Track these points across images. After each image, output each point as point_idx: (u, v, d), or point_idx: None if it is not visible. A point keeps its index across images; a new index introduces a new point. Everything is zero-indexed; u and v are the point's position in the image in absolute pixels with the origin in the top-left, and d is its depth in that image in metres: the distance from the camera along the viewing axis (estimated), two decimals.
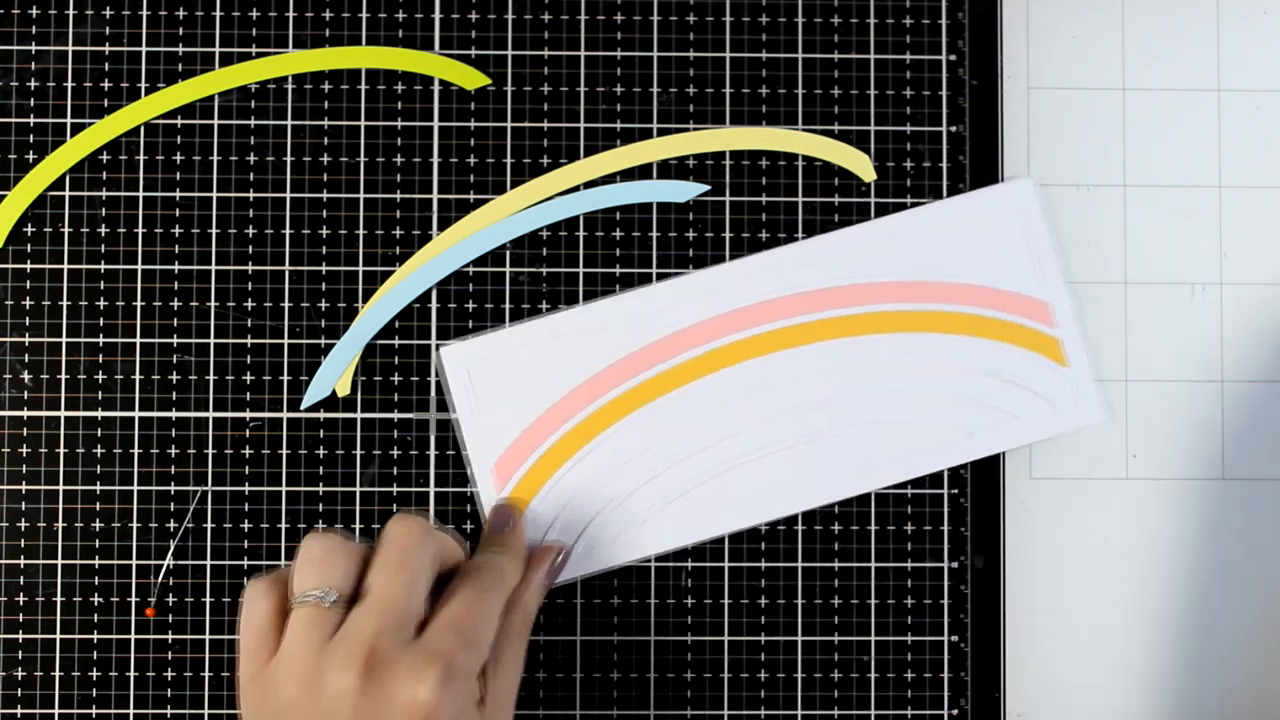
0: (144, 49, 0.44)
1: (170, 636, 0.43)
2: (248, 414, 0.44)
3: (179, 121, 0.44)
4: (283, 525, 0.43)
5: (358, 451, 0.44)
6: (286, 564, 0.41)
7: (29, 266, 0.44)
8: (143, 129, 0.44)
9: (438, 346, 0.43)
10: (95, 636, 0.43)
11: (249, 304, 0.44)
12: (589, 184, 0.44)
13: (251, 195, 0.44)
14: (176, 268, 0.44)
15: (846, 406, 0.43)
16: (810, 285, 0.43)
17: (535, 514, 0.43)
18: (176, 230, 0.44)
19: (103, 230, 0.44)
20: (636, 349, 0.43)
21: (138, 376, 0.43)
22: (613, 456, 0.43)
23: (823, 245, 0.44)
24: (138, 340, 0.44)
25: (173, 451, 0.43)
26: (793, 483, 0.43)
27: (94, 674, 0.43)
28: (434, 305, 0.44)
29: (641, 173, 0.44)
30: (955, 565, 0.44)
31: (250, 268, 0.44)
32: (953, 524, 0.44)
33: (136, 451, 0.43)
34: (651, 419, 0.43)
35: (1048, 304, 0.43)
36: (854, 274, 0.43)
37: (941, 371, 0.43)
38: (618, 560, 0.43)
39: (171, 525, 0.43)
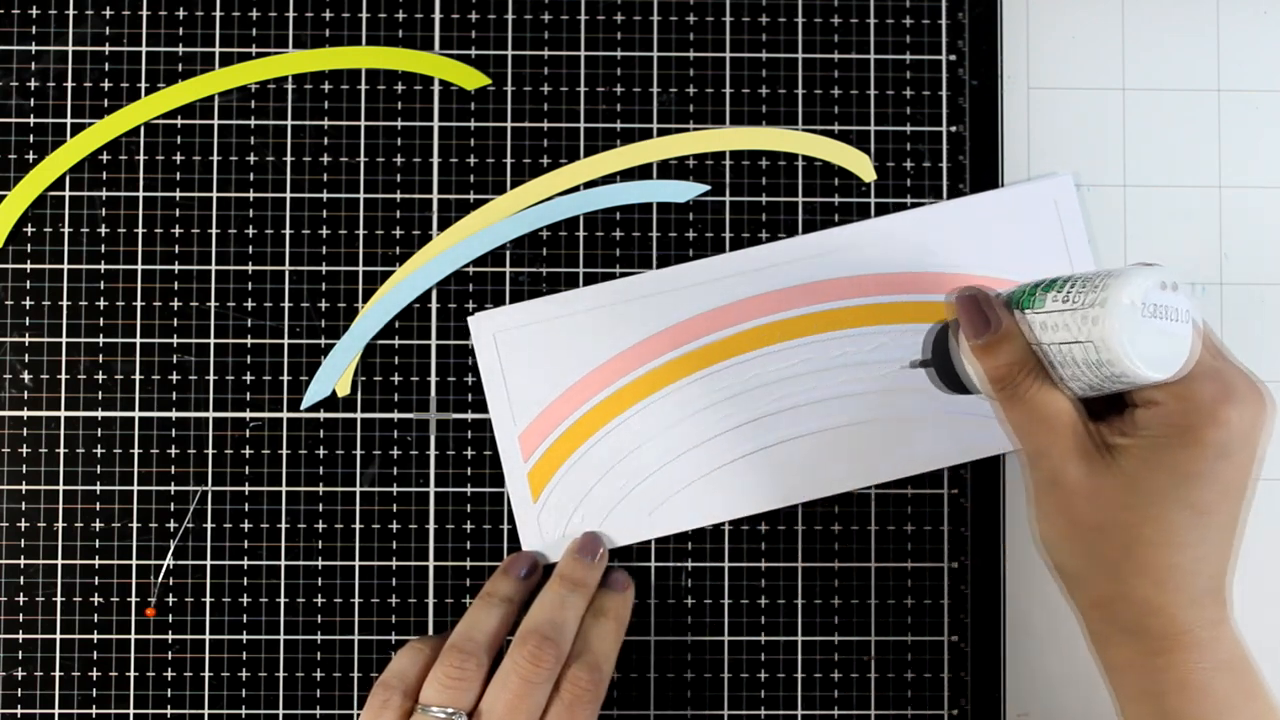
0: (144, 49, 0.44)
1: (170, 636, 0.43)
2: (248, 414, 0.44)
3: (179, 121, 0.44)
4: (283, 525, 0.43)
5: (358, 451, 0.44)
6: (393, 654, 0.42)
7: (29, 266, 0.44)
8: (143, 129, 0.44)
9: (472, 311, 0.44)
10: (95, 636, 0.43)
11: (249, 304, 0.44)
12: (589, 184, 0.44)
13: (251, 195, 0.44)
14: (176, 268, 0.44)
15: (874, 396, 0.43)
16: (843, 272, 0.44)
17: (561, 488, 0.43)
18: (176, 230, 0.44)
19: (103, 230, 0.44)
20: (666, 327, 0.43)
21: (138, 376, 0.43)
22: (638, 433, 0.43)
23: (857, 232, 0.44)
24: (138, 340, 0.44)
25: (173, 451, 0.43)
26: (815, 470, 0.43)
27: (94, 674, 0.43)
28: (434, 305, 0.44)
29: (641, 173, 0.44)
30: (955, 565, 0.44)
31: (250, 268, 0.44)
32: (953, 524, 0.44)
33: (136, 451, 0.43)
34: (676, 398, 0.43)
35: None
36: (887, 263, 0.44)
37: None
38: (639, 538, 0.43)
39: (171, 525, 0.43)
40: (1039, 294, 0.35)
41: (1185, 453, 0.34)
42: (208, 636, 0.43)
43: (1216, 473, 0.34)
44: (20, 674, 0.43)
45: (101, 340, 0.43)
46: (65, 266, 0.44)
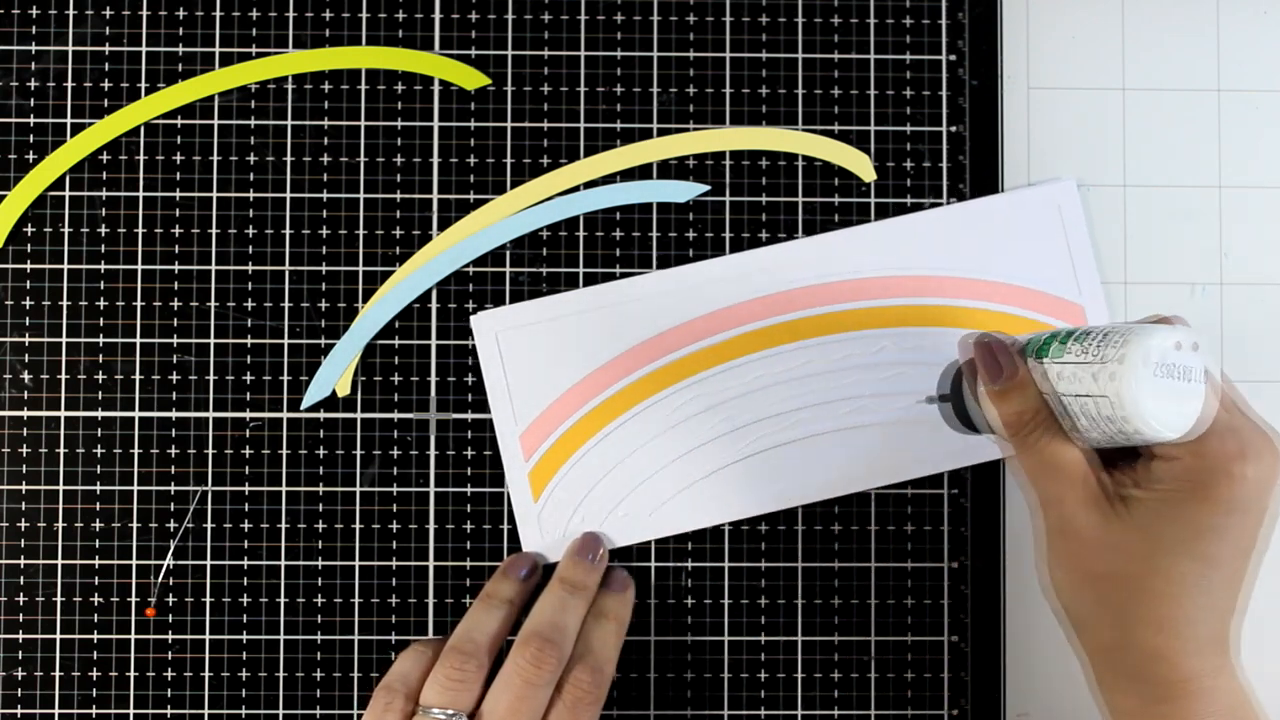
0: (144, 49, 0.44)
1: (170, 636, 0.43)
2: (248, 414, 0.44)
3: (179, 121, 0.44)
4: (283, 525, 0.43)
5: (358, 451, 0.44)
6: (395, 657, 0.42)
7: (29, 266, 0.44)
8: (143, 129, 0.44)
9: (472, 311, 0.44)
10: (95, 636, 0.43)
11: (249, 304, 0.44)
12: (589, 184, 0.44)
13: (251, 195, 0.44)
14: (176, 268, 0.44)
15: (875, 399, 0.43)
16: (845, 275, 0.43)
17: (561, 489, 0.43)
18: (176, 230, 0.44)
19: (103, 230, 0.44)
20: (668, 328, 0.43)
21: (138, 376, 0.43)
22: (639, 434, 0.43)
23: (860, 236, 0.44)
24: (138, 340, 0.44)
25: (173, 451, 0.43)
26: (815, 473, 0.43)
27: (94, 674, 0.43)
28: (434, 305, 0.44)
29: (641, 173, 0.44)
30: (955, 565, 0.44)
31: (250, 268, 0.44)
32: (953, 524, 0.44)
33: (136, 451, 0.43)
34: (678, 400, 0.43)
35: (1082, 307, 0.43)
36: (888, 266, 0.44)
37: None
38: (639, 538, 0.43)
39: (171, 525, 0.43)
40: (1058, 344, 0.35)
41: (1198, 507, 0.34)
42: (208, 636, 0.43)
43: (1228, 527, 0.34)
44: (20, 674, 0.43)
45: (101, 340, 0.43)
46: (65, 266, 0.44)
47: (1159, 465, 0.35)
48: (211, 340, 0.44)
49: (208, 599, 0.43)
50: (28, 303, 0.44)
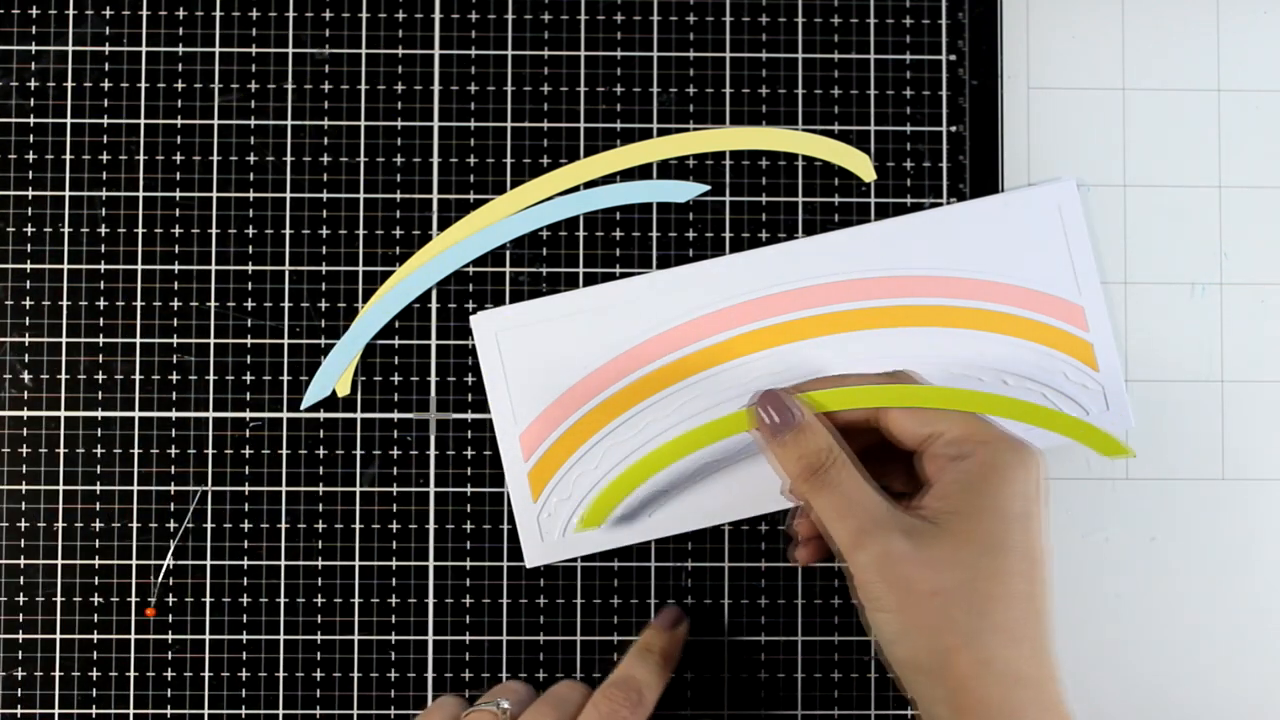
0: (144, 49, 0.44)
1: (170, 636, 0.43)
2: (248, 414, 0.44)
3: (179, 121, 0.44)
4: (283, 525, 0.43)
5: (358, 451, 0.44)
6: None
7: (29, 266, 0.44)
8: (143, 129, 0.44)
9: (472, 311, 0.44)
10: (95, 636, 0.43)
11: (249, 304, 0.44)
12: (589, 184, 0.44)
13: (251, 195, 0.44)
14: (176, 268, 0.44)
15: None
16: (845, 275, 0.44)
17: (561, 489, 0.43)
18: (176, 230, 0.44)
19: (103, 230, 0.44)
20: (669, 327, 0.43)
21: (138, 376, 0.43)
22: (639, 434, 0.43)
23: (858, 235, 0.44)
24: (138, 340, 0.44)
25: (173, 451, 0.43)
26: None
27: (94, 674, 0.43)
28: (434, 305, 0.44)
29: (641, 173, 0.44)
30: None
31: (250, 268, 0.44)
32: None
33: (136, 451, 0.43)
34: (677, 399, 0.43)
35: (1082, 307, 0.43)
36: (888, 266, 0.43)
37: (972, 368, 0.43)
38: (639, 538, 0.43)
39: (171, 525, 0.43)
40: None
41: (992, 513, 0.35)
42: (208, 636, 0.43)
43: (1023, 526, 0.35)
44: (20, 674, 0.43)
45: (101, 340, 0.43)
46: (65, 266, 0.44)
47: (947, 479, 0.36)
48: (211, 340, 0.44)
49: (208, 599, 0.43)
50: (28, 303, 0.44)
